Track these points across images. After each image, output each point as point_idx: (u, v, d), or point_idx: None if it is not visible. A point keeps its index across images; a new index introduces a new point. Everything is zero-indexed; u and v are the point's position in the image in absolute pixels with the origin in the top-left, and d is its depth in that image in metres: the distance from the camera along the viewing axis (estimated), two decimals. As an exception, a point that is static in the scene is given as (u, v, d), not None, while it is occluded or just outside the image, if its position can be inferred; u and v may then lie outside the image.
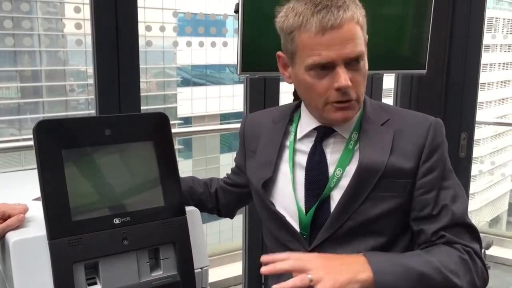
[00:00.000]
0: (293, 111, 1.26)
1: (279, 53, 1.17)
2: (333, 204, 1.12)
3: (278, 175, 1.20)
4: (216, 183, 1.44)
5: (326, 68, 1.05)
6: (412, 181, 1.11)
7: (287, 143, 1.22)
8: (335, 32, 1.02)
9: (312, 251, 1.12)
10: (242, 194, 1.40)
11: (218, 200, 1.42)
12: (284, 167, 1.20)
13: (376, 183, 1.09)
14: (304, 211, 1.14)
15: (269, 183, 1.21)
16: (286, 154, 1.21)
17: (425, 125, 1.12)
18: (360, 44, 1.06)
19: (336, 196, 1.12)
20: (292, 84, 1.17)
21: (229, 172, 1.45)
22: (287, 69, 1.16)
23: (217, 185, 1.43)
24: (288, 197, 1.17)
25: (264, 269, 0.97)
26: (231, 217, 1.49)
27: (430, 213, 1.10)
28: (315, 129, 1.18)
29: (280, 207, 1.18)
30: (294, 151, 1.19)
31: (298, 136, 1.20)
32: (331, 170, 1.14)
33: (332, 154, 1.15)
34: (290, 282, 0.92)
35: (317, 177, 1.15)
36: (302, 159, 1.18)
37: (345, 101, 1.08)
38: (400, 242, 1.14)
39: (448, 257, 1.04)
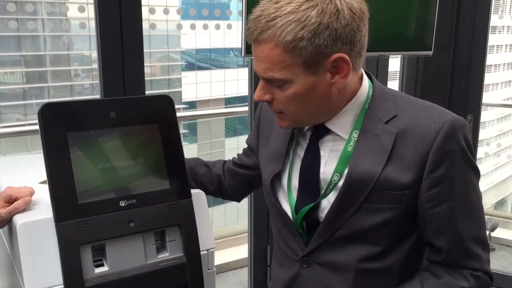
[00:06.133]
0: None
1: None
2: (323, 210, 1.06)
3: (286, 168, 1.15)
4: (221, 165, 1.41)
5: None
6: (411, 193, 1.01)
7: (295, 132, 1.16)
8: (254, 46, 0.99)
9: (307, 255, 1.10)
10: (250, 176, 1.36)
11: (221, 183, 1.39)
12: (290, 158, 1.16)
13: (368, 195, 1.01)
14: (295, 209, 1.10)
15: (277, 177, 1.16)
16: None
17: (436, 127, 0.99)
18: (273, 69, 0.97)
19: (326, 203, 1.06)
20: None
21: (239, 153, 1.42)
22: None
23: (225, 168, 1.40)
24: (287, 193, 1.14)
25: None
26: (238, 200, 1.45)
27: (440, 228, 1.02)
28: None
29: (284, 201, 1.15)
30: (297, 145, 1.15)
31: (305, 128, 1.14)
32: (327, 171, 1.06)
33: (330, 155, 1.07)
34: None
35: (308, 180, 1.09)
36: (300, 150, 1.13)
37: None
38: (398, 250, 1.06)
39: None
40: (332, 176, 1.05)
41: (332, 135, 1.08)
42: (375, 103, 1.06)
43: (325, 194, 1.06)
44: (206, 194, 1.35)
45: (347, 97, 1.05)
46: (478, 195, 1.05)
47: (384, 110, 1.05)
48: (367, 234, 1.04)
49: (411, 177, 1.00)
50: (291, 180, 1.13)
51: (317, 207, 1.07)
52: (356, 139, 1.05)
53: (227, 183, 1.40)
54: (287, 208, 1.13)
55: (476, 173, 1.04)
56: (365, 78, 1.08)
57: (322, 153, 1.08)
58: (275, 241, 1.23)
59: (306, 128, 1.12)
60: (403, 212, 1.02)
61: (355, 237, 1.04)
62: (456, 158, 0.99)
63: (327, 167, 1.07)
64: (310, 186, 1.08)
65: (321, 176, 1.07)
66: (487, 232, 3.69)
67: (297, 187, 1.11)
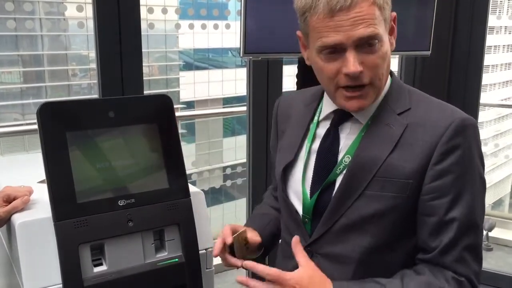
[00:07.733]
0: (324, 92, 1.19)
1: (298, 32, 1.11)
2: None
3: (298, 158, 1.17)
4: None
5: (336, 51, 1.01)
6: (415, 182, 1.02)
7: (311, 125, 1.18)
8: (344, 14, 0.97)
9: (311, 244, 1.11)
10: None
11: None
12: (304, 151, 1.17)
13: (371, 181, 1.03)
14: (308, 195, 1.12)
15: (289, 167, 1.18)
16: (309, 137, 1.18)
17: (446, 122, 1.01)
18: (374, 24, 0.99)
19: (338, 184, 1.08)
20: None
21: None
22: (306, 50, 1.11)
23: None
24: (299, 181, 1.15)
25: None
26: None
27: (435, 223, 1.02)
28: (333, 111, 1.13)
29: (292, 193, 1.17)
30: (314, 134, 1.16)
31: (320, 118, 1.17)
32: (342, 154, 1.09)
33: (347, 140, 1.10)
34: None
35: (325, 162, 1.11)
36: (317, 142, 1.15)
37: (357, 87, 1.03)
38: (400, 246, 1.07)
39: None
40: (343, 157, 1.09)
41: (352, 122, 1.11)
42: (391, 95, 1.10)
43: (335, 174, 1.09)
44: None
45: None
46: (478, 202, 1.03)
47: (398, 103, 1.08)
48: (369, 223, 1.05)
49: (416, 166, 1.01)
50: (307, 171, 1.14)
51: (331, 188, 1.09)
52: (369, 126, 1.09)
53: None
54: (294, 199, 1.16)
55: (481, 181, 1.04)
56: None
57: (340, 138, 1.12)
58: (282, 236, 1.25)
59: (322, 117, 1.16)
60: (406, 203, 1.03)
61: (357, 226, 1.06)
62: (464, 154, 1.01)
63: (342, 151, 1.10)
64: (326, 168, 1.11)
65: (338, 159, 1.10)
66: (485, 232, 3.70)
67: (311, 178, 1.13)
